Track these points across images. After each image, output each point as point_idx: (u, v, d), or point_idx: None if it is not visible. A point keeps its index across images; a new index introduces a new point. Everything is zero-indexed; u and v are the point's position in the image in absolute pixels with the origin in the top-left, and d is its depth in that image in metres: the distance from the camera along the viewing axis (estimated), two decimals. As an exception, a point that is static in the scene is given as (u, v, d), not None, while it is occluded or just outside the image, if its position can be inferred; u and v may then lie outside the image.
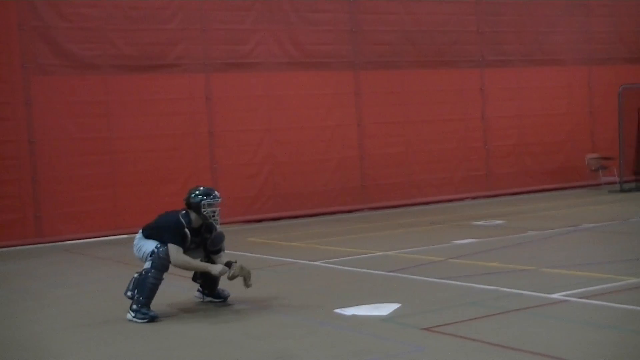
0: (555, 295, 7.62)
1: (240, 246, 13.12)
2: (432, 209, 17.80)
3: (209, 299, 8.32)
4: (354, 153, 18.15)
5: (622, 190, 18.65)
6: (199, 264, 7.97)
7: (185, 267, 7.91)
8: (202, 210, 7.84)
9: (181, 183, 16.30)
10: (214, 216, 7.89)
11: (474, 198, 19.39)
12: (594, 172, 20.36)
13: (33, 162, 15.10)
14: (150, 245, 7.84)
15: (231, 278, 7.94)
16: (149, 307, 7.67)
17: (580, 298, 7.50)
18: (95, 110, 15.66)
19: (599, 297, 7.45)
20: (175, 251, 7.74)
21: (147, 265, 7.78)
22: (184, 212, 7.95)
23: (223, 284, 8.26)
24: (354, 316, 7.30)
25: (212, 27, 16.75)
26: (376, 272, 9.70)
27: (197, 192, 7.93)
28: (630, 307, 7.03)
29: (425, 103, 18.98)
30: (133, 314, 7.65)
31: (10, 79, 14.99)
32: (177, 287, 8.75)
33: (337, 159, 17.97)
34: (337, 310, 7.52)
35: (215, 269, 7.85)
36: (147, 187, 16.00)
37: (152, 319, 7.60)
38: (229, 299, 8.30)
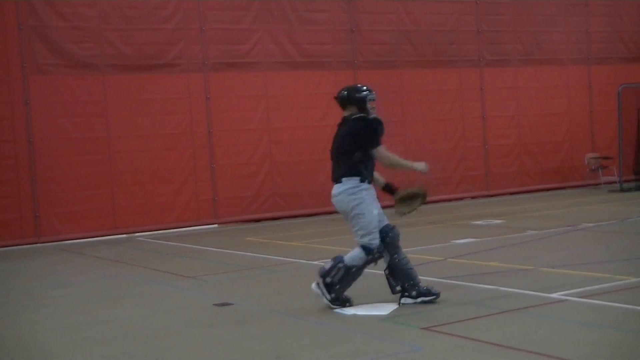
0: (554, 295, 7.61)
1: (238, 246, 13.12)
2: (431, 209, 17.78)
3: (420, 299, 7.64)
4: (352, 153, 18.09)
5: (621, 190, 18.65)
6: (403, 162, 7.84)
7: (394, 164, 7.71)
8: (367, 105, 7.76)
9: (179, 183, 16.32)
10: (373, 112, 7.78)
11: (473, 198, 19.39)
12: (593, 172, 20.37)
13: (31, 162, 15.09)
14: (368, 221, 7.50)
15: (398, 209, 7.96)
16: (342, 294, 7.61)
17: (579, 297, 7.49)
18: (94, 110, 15.65)
19: (598, 297, 7.44)
20: (383, 151, 7.58)
21: (357, 262, 7.54)
22: (354, 114, 7.78)
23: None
24: (354, 316, 7.29)
25: (210, 27, 16.74)
26: (375, 271, 9.67)
27: (359, 87, 7.89)
28: (630, 306, 7.02)
29: (424, 103, 18.97)
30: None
31: (8, 79, 14.97)
32: (177, 288, 8.73)
33: (336, 158, 17.93)
34: (337, 310, 7.51)
35: (418, 166, 7.86)
36: (145, 187, 15.99)
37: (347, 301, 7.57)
38: (226, 298, 8.29)
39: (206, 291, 9.00)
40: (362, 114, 7.77)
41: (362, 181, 7.56)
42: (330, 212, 17.63)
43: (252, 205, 17.04)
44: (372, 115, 7.78)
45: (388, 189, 8.04)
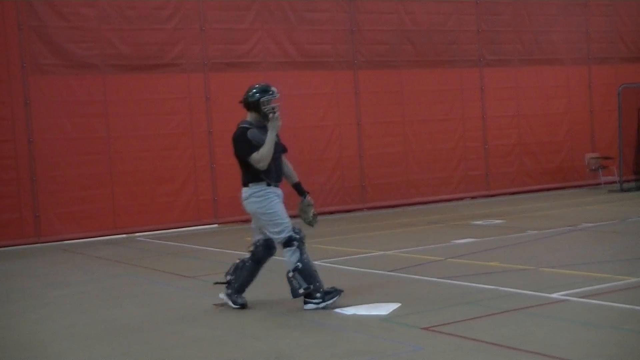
0: (555, 295, 7.61)
1: (239, 246, 13.10)
2: (431, 209, 17.79)
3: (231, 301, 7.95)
4: (352, 153, 18.14)
5: (621, 190, 18.65)
6: (269, 140, 7.66)
7: (266, 156, 7.63)
8: (263, 107, 7.71)
9: (180, 182, 16.32)
10: (274, 113, 7.70)
11: (473, 198, 19.39)
12: (594, 172, 20.37)
13: (31, 162, 15.09)
14: (279, 217, 7.67)
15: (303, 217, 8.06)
16: (240, 294, 7.79)
17: (580, 297, 7.49)
18: (94, 110, 15.65)
19: (598, 297, 7.44)
20: (255, 156, 7.58)
21: (296, 256, 7.63)
22: (242, 120, 7.85)
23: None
24: (354, 316, 7.28)
25: (210, 27, 16.74)
26: (375, 271, 9.69)
27: (253, 90, 7.80)
28: (630, 306, 7.02)
29: (424, 102, 18.98)
30: (319, 301, 7.60)
31: (8, 79, 14.98)
32: (177, 288, 8.73)
33: (336, 158, 17.97)
34: (337, 310, 7.51)
35: (275, 127, 7.64)
36: (145, 187, 15.99)
37: (242, 306, 7.74)
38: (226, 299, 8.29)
39: (206, 291, 8.99)
40: (242, 124, 7.81)
41: (268, 185, 7.74)
42: (331, 212, 17.69)
43: (252, 205, 17.00)
44: (243, 124, 7.80)
45: (298, 188, 8.17)
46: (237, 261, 8.00)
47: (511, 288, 8.05)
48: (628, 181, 19.48)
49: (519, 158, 20.21)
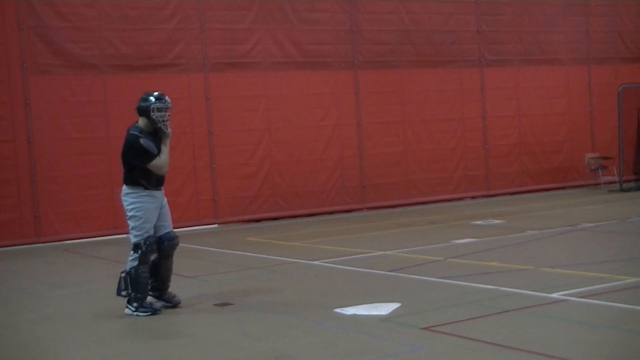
0: (554, 295, 7.61)
1: (239, 246, 13.12)
2: (431, 209, 17.79)
3: (161, 303, 8.20)
4: (352, 153, 18.14)
5: (621, 190, 18.66)
6: (165, 150, 8.02)
7: (167, 162, 7.98)
8: (152, 114, 7.90)
9: (180, 182, 16.31)
10: (163, 121, 7.97)
11: (473, 198, 19.39)
12: (593, 172, 20.37)
13: (31, 162, 15.09)
14: (140, 222, 7.87)
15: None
16: (148, 302, 7.84)
17: (579, 297, 7.49)
18: (94, 110, 15.65)
19: (597, 297, 7.44)
20: (157, 162, 7.86)
21: (134, 262, 7.85)
22: (131, 125, 8.04)
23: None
24: (354, 316, 7.29)
25: (210, 27, 16.74)
26: (375, 271, 9.69)
27: (147, 95, 7.98)
28: (629, 306, 7.02)
29: (424, 103, 18.98)
30: (134, 309, 7.76)
31: (8, 79, 14.97)
32: (177, 288, 8.73)
33: (336, 158, 17.97)
34: (337, 310, 7.51)
35: (166, 138, 8.02)
36: (145, 187, 15.97)
37: (155, 311, 7.77)
38: (226, 298, 8.31)
39: (206, 291, 9.00)
40: (132, 130, 7.95)
41: (145, 189, 7.93)
42: (331, 212, 17.70)
43: (252, 205, 17.04)
44: (133, 130, 7.94)
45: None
46: (123, 275, 7.97)
47: (511, 288, 8.05)
48: (628, 181, 19.49)
49: (519, 158, 20.21)
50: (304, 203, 17.55)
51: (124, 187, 8.06)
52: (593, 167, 20.31)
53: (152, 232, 7.97)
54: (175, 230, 8.56)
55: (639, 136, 20.08)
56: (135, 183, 7.94)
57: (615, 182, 19.59)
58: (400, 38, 18.72)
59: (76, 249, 14.07)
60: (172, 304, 8.16)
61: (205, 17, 16.70)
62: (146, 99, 7.95)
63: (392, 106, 18.64)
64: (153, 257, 8.01)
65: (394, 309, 7.42)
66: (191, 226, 16.26)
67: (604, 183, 20.12)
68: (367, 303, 7.72)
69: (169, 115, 8.04)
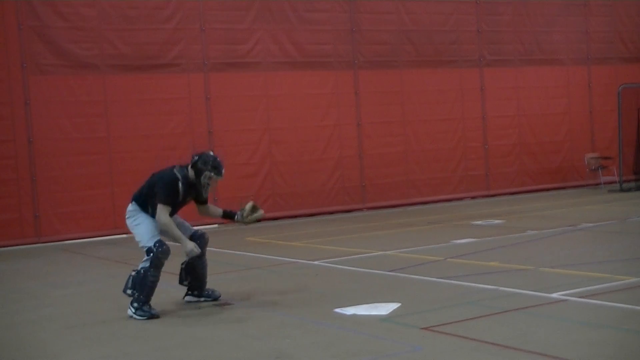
0: (554, 295, 7.61)
1: (239, 246, 13.12)
2: (431, 209, 17.80)
3: (202, 298, 8.37)
4: (352, 153, 18.14)
5: (621, 190, 18.66)
6: (176, 231, 7.96)
7: (165, 229, 7.95)
8: (203, 178, 7.96)
9: (180, 183, 16.28)
10: (207, 187, 8.05)
11: (473, 198, 19.39)
12: (593, 172, 20.38)
13: (31, 162, 15.09)
14: (147, 229, 7.90)
15: (247, 222, 8.47)
16: (149, 305, 7.78)
17: (579, 297, 7.49)
18: (94, 110, 15.65)
19: (597, 297, 7.44)
20: (163, 211, 7.86)
21: (146, 264, 7.84)
22: (178, 167, 8.06)
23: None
24: (354, 316, 7.28)
25: (210, 27, 16.74)
26: (375, 271, 9.69)
27: (209, 159, 7.95)
28: (629, 306, 7.02)
29: (424, 103, 18.98)
30: (134, 311, 7.75)
31: (8, 79, 14.97)
32: (177, 287, 8.72)
33: (336, 158, 17.97)
34: (337, 310, 7.51)
35: (187, 245, 7.95)
36: (145, 187, 15.98)
37: (153, 316, 7.72)
38: (221, 298, 8.32)
39: (206, 291, 8.99)
40: (178, 172, 8.00)
41: (145, 212, 8.06)
42: (331, 212, 17.70)
43: (252, 205, 17.01)
44: (177, 175, 7.98)
45: (228, 215, 8.63)
46: (133, 273, 7.99)
47: (511, 288, 8.05)
48: (628, 181, 19.50)
49: (519, 158, 20.21)
50: (304, 203, 17.55)
51: (131, 205, 8.11)
52: (593, 167, 20.31)
53: (159, 237, 7.95)
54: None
55: (638, 136, 20.08)
56: (144, 205, 8.03)
57: (615, 182, 19.60)
58: (400, 38, 18.72)
59: (76, 249, 14.07)
60: (213, 298, 8.33)
61: (205, 17, 16.70)
62: (206, 162, 7.94)
63: (392, 106, 18.65)
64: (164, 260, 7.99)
65: (394, 309, 7.42)
66: (191, 226, 16.21)
67: (604, 183, 20.13)
68: (367, 303, 7.72)
69: (216, 185, 8.18)
